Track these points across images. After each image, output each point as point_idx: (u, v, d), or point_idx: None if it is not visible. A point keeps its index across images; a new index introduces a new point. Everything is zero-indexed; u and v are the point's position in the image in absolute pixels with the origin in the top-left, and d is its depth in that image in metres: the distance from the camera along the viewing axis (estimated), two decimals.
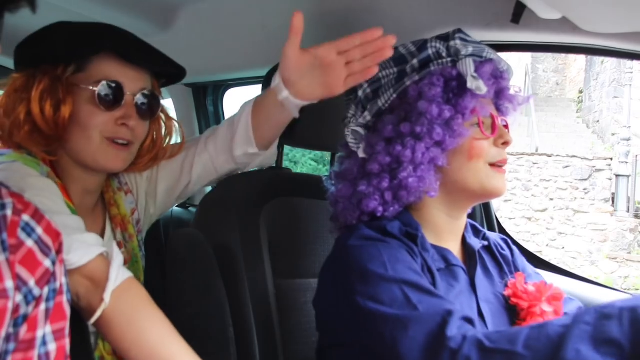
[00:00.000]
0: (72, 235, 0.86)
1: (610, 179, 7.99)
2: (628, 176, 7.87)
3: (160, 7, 1.59)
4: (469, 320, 0.77)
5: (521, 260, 1.08)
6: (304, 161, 10.05)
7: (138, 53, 1.06)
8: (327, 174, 1.11)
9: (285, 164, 1.47)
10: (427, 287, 0.81)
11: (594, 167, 8.07)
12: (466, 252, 1.01)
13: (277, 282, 1.20)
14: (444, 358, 0.72)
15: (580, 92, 11.18)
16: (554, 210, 8.21)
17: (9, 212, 0.68)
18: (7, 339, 0.64)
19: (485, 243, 1.05)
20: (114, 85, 1.02)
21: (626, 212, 7.84)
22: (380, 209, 0.94)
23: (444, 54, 0.95)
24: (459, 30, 0.96)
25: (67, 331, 0.71)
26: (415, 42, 0.98)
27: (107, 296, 0.87)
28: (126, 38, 1.07)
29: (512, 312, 0.96)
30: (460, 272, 0.95)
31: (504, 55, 1.04)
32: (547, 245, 8.13)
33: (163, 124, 1.19)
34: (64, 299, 0.72)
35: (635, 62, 7.98)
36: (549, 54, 11.80)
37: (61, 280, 0.72)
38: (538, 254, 1.57)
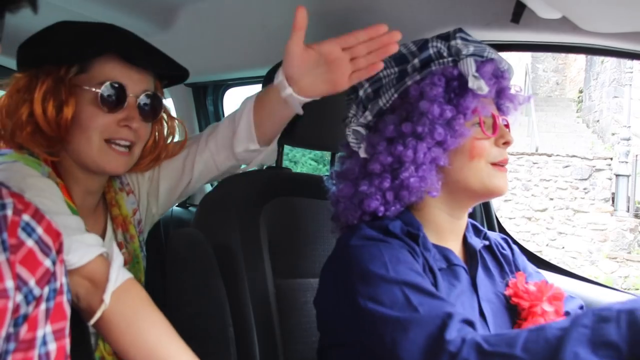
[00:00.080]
0: (72, 235, 0.85)
1: (610, 179, 8.00)
2: (628, 176, 7.87)
3: (160, 7, 1.59)
4: (469, 323, 0.77)
5: (522, 259, 1.09)
6: (304, 161, 10.05)
7: (141, 55, 1.06)
8: (327, 173, 1.11)
9: (285, 163, 1.47)
10: (428, 288, 0.81)
11: (594, 166, 8.07)
12: (467, 251, 1.01)
13: (277, 281, 1.20)
14: None
15: (580, 91, 11.18)
16: (554, 210, 8.22)
17: (9, 212, 0.68)
18: (8, 338, 0.64)
19: (486, 243, 1.05)
20: (117, 86, 1.01)
21: (626, 212, 7.84)
22: (382, 208, 0.94)
23: (445, 54, 0.95)
24: (460, 30, 0.96)
25: (67, 331, 0.71)
26: (416, 41, 0.98)
27: (107, 297, 0.87)
28: (130, 39, 1.06)
29: (513, 311, 0.96)
30: (462, 271, 0.95)
31: (504, 55, 1.04)
32: (547, 245, 8.14)
33: (165, 124, 1.19)
34: (64, 299, 0.72)
35: (635, 62, 7.97)
36: (549, 54, 11.79)
37: (61, 280, 0.72)
38: (538, 254, 1.57)
